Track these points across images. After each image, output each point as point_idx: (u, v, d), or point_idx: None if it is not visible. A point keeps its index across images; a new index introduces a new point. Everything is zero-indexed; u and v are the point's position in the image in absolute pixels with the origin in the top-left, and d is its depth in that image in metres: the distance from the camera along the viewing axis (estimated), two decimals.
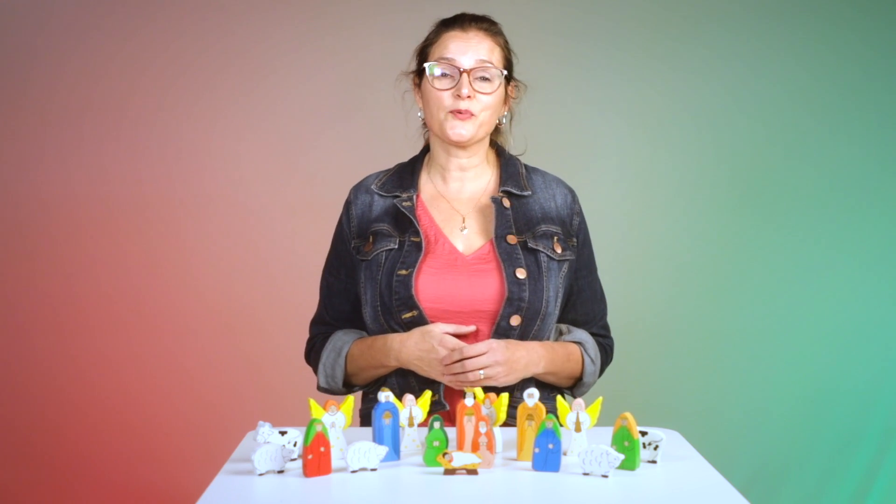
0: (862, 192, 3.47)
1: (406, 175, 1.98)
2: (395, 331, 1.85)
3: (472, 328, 1.82)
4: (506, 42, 1.93)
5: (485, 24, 1.91)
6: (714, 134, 3.47)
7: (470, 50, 1.87)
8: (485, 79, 1.87)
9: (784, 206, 3.48)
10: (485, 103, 1.87)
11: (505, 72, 1.90)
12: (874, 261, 3.47)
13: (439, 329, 1.79)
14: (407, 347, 1.81)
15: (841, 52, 3.45)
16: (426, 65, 1.89)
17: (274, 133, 3.47)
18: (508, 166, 1.97)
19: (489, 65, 1.87)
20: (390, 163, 2.04)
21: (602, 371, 2.00)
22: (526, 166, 1.99)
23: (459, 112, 1.85)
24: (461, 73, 1.85)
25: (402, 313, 1.83)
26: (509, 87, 1.94)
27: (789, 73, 3.46)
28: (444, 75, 1.87)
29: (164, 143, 3.45)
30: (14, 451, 3.44)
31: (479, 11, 1.95)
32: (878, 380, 3.46)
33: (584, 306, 1.98)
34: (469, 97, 1.85)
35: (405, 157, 2.03)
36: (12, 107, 3.44)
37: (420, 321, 1.82)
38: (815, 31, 3.46)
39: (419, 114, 1.95)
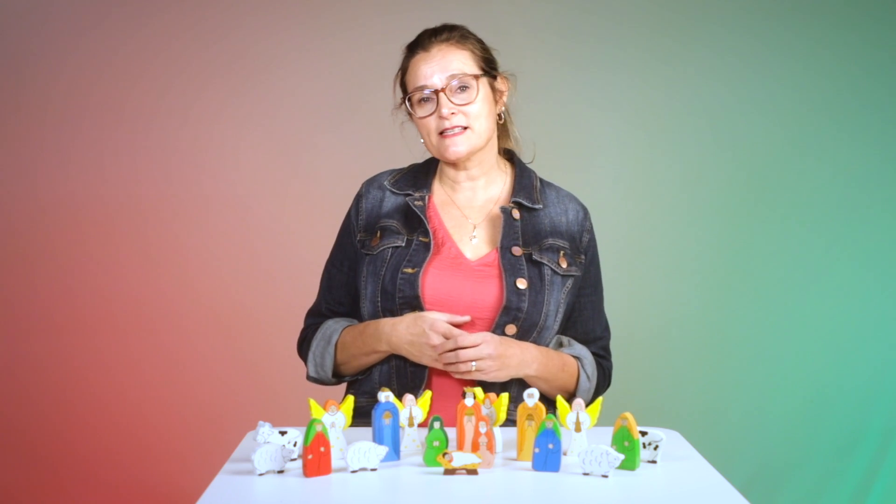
0: (862, 192, 3.47)
1: (420, 176, 1.96)
2: None
3: (466, 318, 1.80)
4: (476, 41, 1.90)
5: (444, 34, 1.87)
6: (714, 134, 3.47)
7: (436, 69, 1.84)
8: (463, 88, 1.85)
9: (784, 206, 3.48)
10: (472, 113, 1.85)
11: (481, 72, 1.87)
12: (874, 261, 3.47)
13: (432, 315, 1.78)
14: (398, 331, 1.79)
15: (842, 51, 3.45)
16: (407, 99, 1.87)
17: (271, 134, 3.47)
18: (523, 177, 1.94)
19: (460, 75, 1.84)
20: (388, 163, 2.03)
21: (598, 393, 1.94)
22: (541, 180, 1.97)
23: (451, 131, 1.84)
24: (436, 93, 1.84)
25: (404, 311, 1.82)
26: (497, 82, 1.91)
27: (790, 72, 3.46)
28: (423, 101, 1.86)
29: (162, 144, 3.45)
30: (14, 452, 3.43)
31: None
32: (878, 380, 3.46)
33: (585, 325, 1.95)
34: (453, 114, 1.84)
35: (404, 158, 2.03)
36: (10, 107, 3.44)
37: None
38: (816, 30, 3.46)
39: (421, 140, 1.93)
